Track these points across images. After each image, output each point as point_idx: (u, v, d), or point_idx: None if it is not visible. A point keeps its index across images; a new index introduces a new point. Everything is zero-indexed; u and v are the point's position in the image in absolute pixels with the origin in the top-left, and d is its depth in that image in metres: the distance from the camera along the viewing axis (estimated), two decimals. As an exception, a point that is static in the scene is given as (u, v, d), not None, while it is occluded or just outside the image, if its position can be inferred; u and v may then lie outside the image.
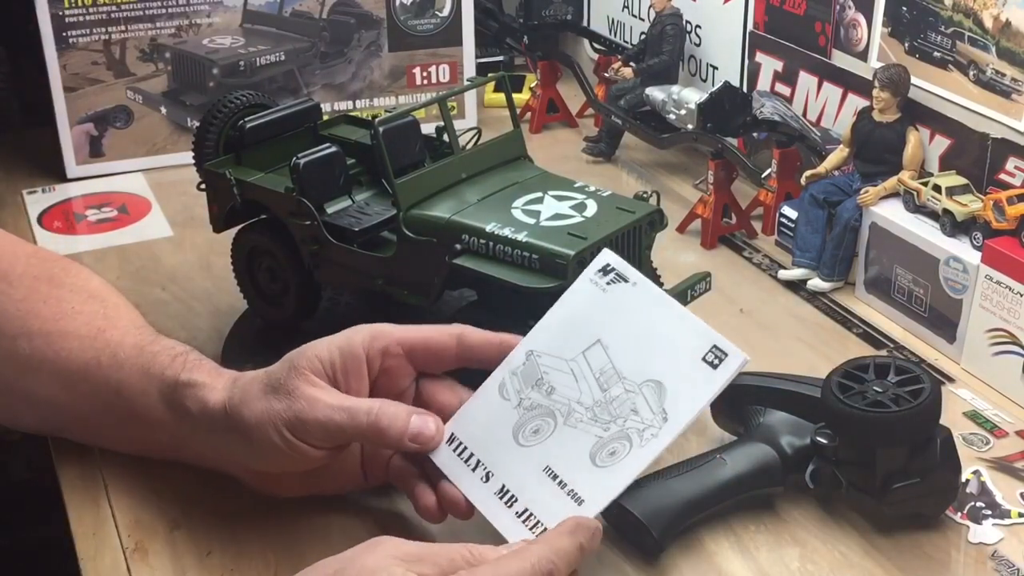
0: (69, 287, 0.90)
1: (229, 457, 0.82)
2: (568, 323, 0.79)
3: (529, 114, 1.59)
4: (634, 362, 0.75)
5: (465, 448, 0.78)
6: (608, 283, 0.79)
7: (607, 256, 0.80)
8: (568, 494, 0.73)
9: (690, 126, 1.30)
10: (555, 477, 0.74)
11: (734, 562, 0.81)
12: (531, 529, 0.73)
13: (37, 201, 1.40)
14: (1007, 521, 0.84)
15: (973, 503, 0.86)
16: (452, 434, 0.79)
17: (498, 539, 0.73)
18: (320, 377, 0.76)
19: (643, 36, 1.46)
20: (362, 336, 0.78)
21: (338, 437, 0.77)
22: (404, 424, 0.76)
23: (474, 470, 0.77)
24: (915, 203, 1.08)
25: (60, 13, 1.39)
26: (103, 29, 1.42)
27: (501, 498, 0.75)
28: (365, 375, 0.78)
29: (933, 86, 1.11)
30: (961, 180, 1.06)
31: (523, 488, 0.75)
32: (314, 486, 0.83)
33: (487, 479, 0.76)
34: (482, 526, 0.80)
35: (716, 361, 0.74)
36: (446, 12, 1.53)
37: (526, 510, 0.74)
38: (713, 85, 1.36)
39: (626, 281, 0.78)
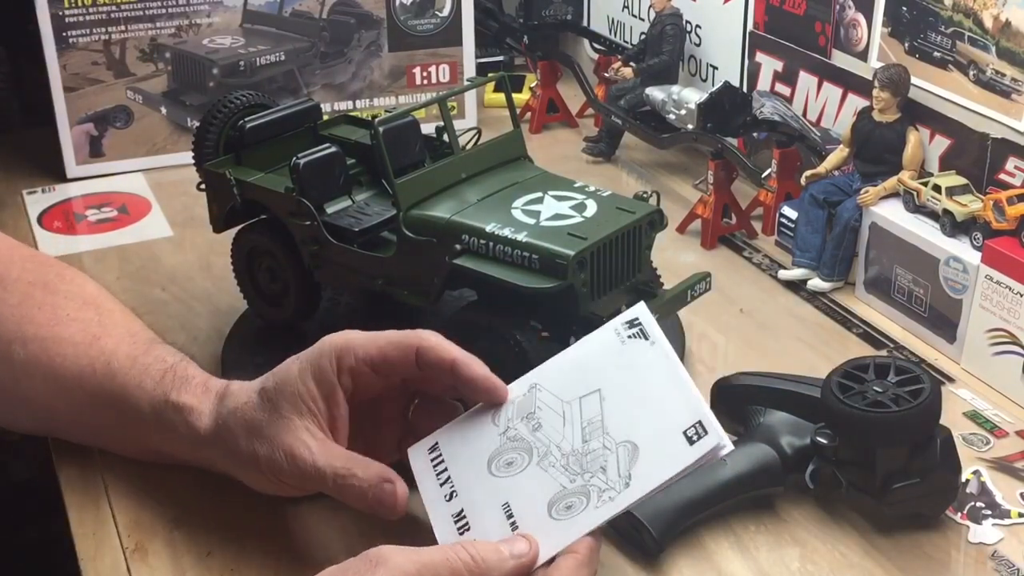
0: (64, 294, 0.90)
1: (224, 471, 0.83)
2: (578, 367, 0.78)
3: (529, 114, 1.59)
4: (622, 420, 0.74)
5: (442, 461, 0.78)
6: (629, 337, 0.77)
7: (639, 310, 0.78)
8: None
9: (690, 126, 1.30)
10: (510, 516, 0.73)
11: (734, 562, 0.81)
12: None
13: (37, 201, 1.40)
14: (1007, 521, 0.84)
15: (973, 503, 0.86)
16: (436, 443, 0.79)
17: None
18: (303, 417, 0.77)
19: (643, 36, 1.46)
20: (329, 359, 0.77)
21: (314, 489, 0.78)
22: (365, 497, 0.75)
23: (442, 486, 0.77)
24: (915, 203, 1.08)
25: (60, 13, 1.39)
26: (103, 29, 1.42)
27: (456, 522, 0.74)
28: (342, 398, 0.78)
29: (933, 86, 1.11)
30: (961, 180, 1.06)
31: (478, 519, 0.74)
32: (285, 493, 0.83)
33: (450, 498, 0.76)
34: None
35: (695, 437, 0.71)
36: (446, 12, 1.53)
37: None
38: (713, 85, 1.36)
39: (646, 339, 0.76)
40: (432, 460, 0.78)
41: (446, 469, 0.77)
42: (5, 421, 0.91)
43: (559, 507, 0.72)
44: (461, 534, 0.74)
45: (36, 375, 0.86)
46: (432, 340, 0.77)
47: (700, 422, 0.71)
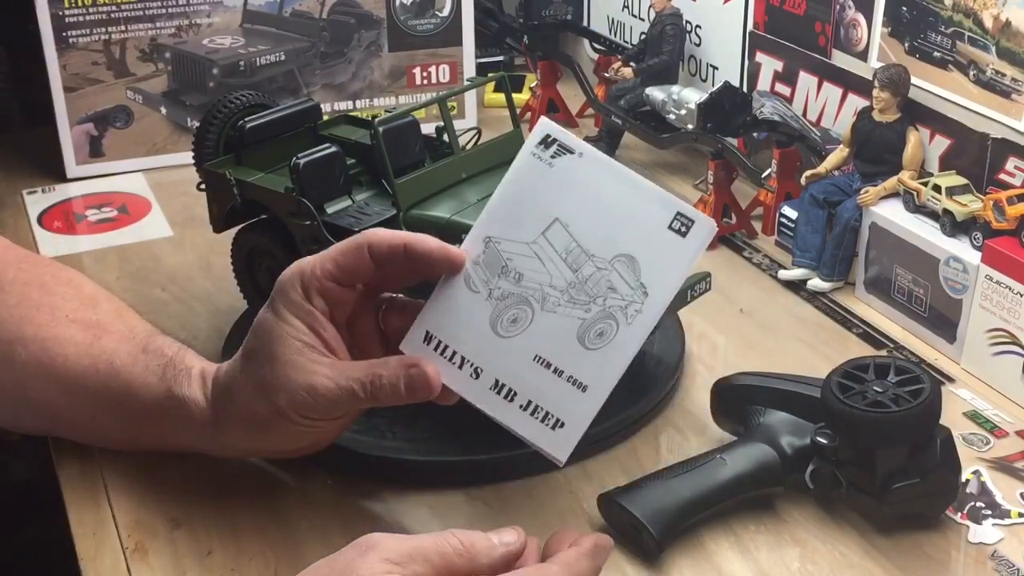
0: (61, 294, 0.90)
1: (237, 450, 0.83)
2: (518, 204, 0.76)
3: (529, 114, 1.59)
4: (599, 238, 0.73)
5: (446, 347, 0.76)
6: (553, 156, 0.75)
7: (546, 126, 0.76)
8: (568, 380, 0.72)
9: (690, 126, 1.30)
10: (548, 365, 0.72)
11: (734, 562, 0.81)
12: (543, 421, 0.72)
13: (37, 201, 1.40)
14: (1007, 521, 0.84)
15: (973, 503, 0.86)
16: (427, 332, 0.77)
17: (485, 521, 0.72)
18: (301, 353, 0.76)
19: (643, 36, 1.46)
20: (293, 288, 0.77)
21: (349, 409, 0.78)
22: (399, 390, 0.75)
23: (461, 367, 0.75)
24: (915, 203, 1.08)
25: (60, 13, 1.39)
26: (103, 29, 1.42)
27: (499, 393, 0.73)
28: (324, 320, 0.77)
29: (933, 86, 1.11)
30: (961, 180, 1.06)
31: (519, 380, 0.73)
32: (323, 439, 0.83)
33: (477, 375, 0.75)
34: (472, 515, 0.82)
35: (684, 229, 0.71)
36: (446, 12, 1.53)
37: (530, 402, 0.73)
38: (713, 85, 1.36)
39: (572, 152, 0.74)
40: (435, 348, 0.76)
41: (455, 352, 0.76)
42: (8, 422, 0.91)
43: (590, 337, 0.72)
44: (511, 401, 0.73)
45: (38, 376, 0.86)
46: (380, 233, 0.77)
47: (680, 213, 0.71)
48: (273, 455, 0.86)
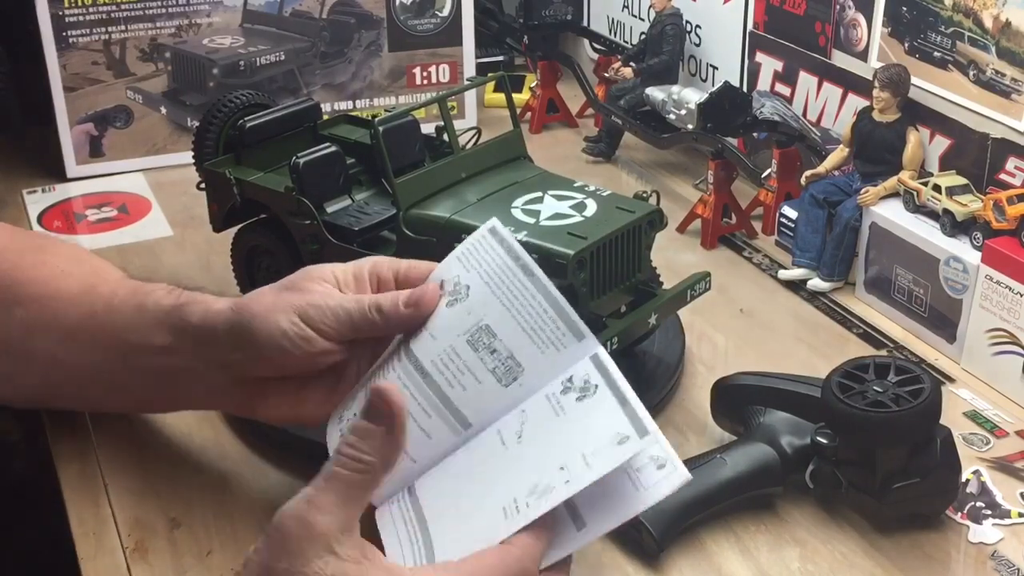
0: (53, 252, 0.91)
1: (227, 366, 0.81)
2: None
3: (529, 114, 1.59)
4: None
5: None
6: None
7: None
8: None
9: (690, 126, 1.30)
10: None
11: (734, 562, 0.81)
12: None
13: (37, 201, 1.40)
14: (1007, 521, 0.84)
15: (973, 503, 0.86)
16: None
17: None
18: (331, 284, 0.78)
19: (643, 36, 1.46)
20: (366, 259, 0.80)
21: (346, 324, 0.77)
22: (396, 296, 0.77)
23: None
24: (915, 203, 1.08)
25: (60, 13, 1.40)
26: (103, 29, 1.42)
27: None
28: (367, 287, 0.79)
29: (933, 86, 1.11)
30: (961, 180, 1.06)
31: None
32: (299, 410, 0.81)
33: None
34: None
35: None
36: (446, 12, 1.53)
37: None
38: (713, 85, 1.36)
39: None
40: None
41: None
42: (9, 390, 0.91)
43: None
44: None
45: (38, 330, 0.87)
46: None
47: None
48: (240, 399, 0.82)
